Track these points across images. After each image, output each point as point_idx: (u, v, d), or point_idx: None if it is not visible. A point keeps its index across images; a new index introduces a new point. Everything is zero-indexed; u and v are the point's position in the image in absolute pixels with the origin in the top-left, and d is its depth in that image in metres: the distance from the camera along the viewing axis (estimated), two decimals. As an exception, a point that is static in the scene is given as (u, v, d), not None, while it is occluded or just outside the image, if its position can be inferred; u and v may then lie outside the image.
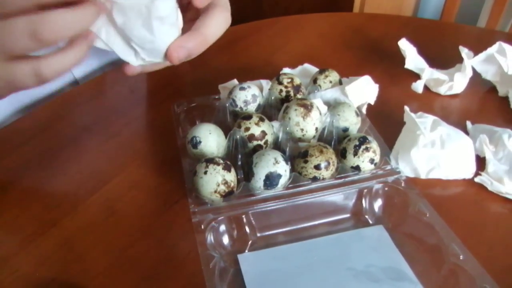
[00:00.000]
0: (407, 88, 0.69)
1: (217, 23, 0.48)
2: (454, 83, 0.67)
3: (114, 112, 0.65)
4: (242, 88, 0.58)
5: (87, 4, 0.41)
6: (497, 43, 0.66)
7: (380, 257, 0.46)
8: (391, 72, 0.74)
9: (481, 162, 0.55)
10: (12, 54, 0.39)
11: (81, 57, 0.43)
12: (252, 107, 0.58)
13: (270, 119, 0.56)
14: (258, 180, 0.49)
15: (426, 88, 0.70)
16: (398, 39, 0.71)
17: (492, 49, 0.67)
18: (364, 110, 0.61)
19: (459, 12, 1.37)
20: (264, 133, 0.53)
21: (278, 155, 0.49)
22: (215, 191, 0.48)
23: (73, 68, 0.44)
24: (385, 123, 0.60)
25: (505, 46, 0.65)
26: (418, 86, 0.69)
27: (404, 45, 0.71)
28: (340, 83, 0.62)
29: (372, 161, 0.52)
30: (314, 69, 0.69)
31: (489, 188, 0.53)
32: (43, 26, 0.37)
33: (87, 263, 0.46)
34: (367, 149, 0.51)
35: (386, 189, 0.51)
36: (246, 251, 0.47)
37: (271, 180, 0.48)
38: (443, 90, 0.68)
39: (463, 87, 0.69)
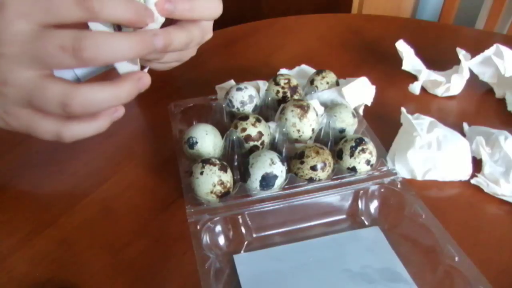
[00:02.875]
0: (404, 90, 0.69)
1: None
2: (451, 84, 0.67)
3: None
4: (239, 89, 0.58)
5: (128, 80, 0.41)
6: (495, 45, 0.66)
7: (376, 258, 0.46)
8: (388, 73, 0.74)
9: (477, 164, 0.55)
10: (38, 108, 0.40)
11: (103, 129, 0.44)
12: (249, 108, 0.58)
13: (267, 120, 0.56)
14: (254, 181, 0.49)
15: (423, 89, 0.70)
16: (396, 40, 0.71)
17: (490, 51, 0.67)
18: (361, 111, 0.61)
19: (458, 13, 1.37)
20: (260, 134, 0.53)
21: (274, 156, 0.49)
22: (211, 192, 0.48)
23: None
24: (382, 124, 0.60)
25: (503, 48, 0.65)
26: (415, 88, 0.69)
27: (402, 46, 0.71)
28: (337, 84, 0.62)
29: (368, 162, 0.52)
30: (311, 70, 0.69)
31: (485, 189, 0.53)
32: (75, 100, 0.38)
33: (83, 263, 0.46)
34: (363, 150, 0.51)
35: (382, 190, 0.51)
36: (242, 251, 0.47)
37: (267, 181, 0.48)
38: (440, 91, 0.69)
39: (460, 89, 0.69)
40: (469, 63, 0.67)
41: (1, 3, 0.36)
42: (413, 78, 0.71)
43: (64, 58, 0.36)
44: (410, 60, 0.71)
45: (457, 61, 0.68)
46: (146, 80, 0.42)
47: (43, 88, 0.38)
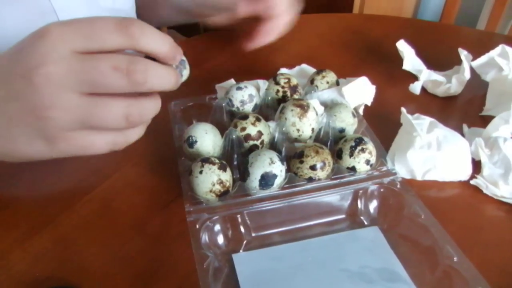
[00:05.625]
0: (405, 90, 0.69)
1: None
2: (452, 85, 0.67)
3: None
4: (239, 88, 0.58)
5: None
6: (500, 46, 0.66)
7: (375, 258, 0.46)
8: (389, 73, 0.74)
9: (477, 165, 0.55)
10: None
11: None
12: (248, 107, 0.58)
13: (267, 119, 0.56)
14: (254, 180, 0.49)
15: (423, 89, 0.70)
16: (397, 40, 0.71)
17: (495, 52, 0.66)
18: (361, 111, 0.61)
19: (459, 14, 1.37)
20: (260, 133, 0.53)
21: (274, 155, 0.49)
22: (210, 191, 0.48)
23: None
24: (382, 124, 0.59)
25: (508, 49, 0.65)
26: (415, 88, 0.69)
27: (402, 46, 0.71)
28: (337, 83, 0.62)
29: (368, 162, 0.52)
30: (311, 70, 0.69)
31: (484, 191, 0.53)
32: (136, 110, 0.39)
33: (82, 261, 0.46)
34: (363, 150, 0.51)
35: (381, 190, 0.51)
36: (241, 251, 0.47)
37: (266, 180, 0.48)
38: (440, 92, 0.68)
39: (460, 89, 0.69)
40: (473, 63, 0.67)
41: (45, 29, 0.36)
42: (414, 78, 0.71)
43: (116, 78, 0.37)
44: (410, 60, 0.71)
45: (458, 62, 0.67)
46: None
47: (105, 106, 0.38)
